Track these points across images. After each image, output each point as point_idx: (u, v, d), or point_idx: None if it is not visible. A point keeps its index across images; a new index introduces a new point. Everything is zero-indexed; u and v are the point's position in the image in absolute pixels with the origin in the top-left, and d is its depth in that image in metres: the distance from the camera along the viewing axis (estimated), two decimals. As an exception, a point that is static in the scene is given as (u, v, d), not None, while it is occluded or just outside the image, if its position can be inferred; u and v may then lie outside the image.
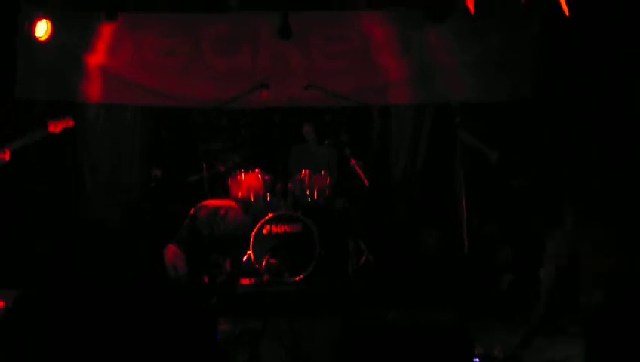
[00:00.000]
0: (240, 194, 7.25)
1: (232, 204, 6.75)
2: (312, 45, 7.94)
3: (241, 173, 7.30)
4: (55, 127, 6.76)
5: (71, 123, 6.89)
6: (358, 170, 7.57)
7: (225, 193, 7.26)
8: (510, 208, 7.05)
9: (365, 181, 7.54)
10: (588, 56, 7.41)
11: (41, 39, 7.49)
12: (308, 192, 7.32)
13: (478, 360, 4.91)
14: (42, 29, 7.44)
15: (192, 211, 6.53)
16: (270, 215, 7.10)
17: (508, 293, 6.59)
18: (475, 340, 4.90)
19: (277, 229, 7.09)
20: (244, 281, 6.86)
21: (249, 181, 7.32)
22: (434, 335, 5.06)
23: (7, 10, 7.53)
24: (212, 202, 6.71)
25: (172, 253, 6.36)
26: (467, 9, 6.79)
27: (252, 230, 6.96)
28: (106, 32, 7.92)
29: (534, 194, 6.64)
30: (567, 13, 6.62)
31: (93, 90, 7.99)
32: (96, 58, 7.94)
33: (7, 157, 6.48)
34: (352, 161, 7.62)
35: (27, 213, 7.75)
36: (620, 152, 6.05)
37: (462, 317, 5.64)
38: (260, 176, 7.33)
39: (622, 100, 6.76)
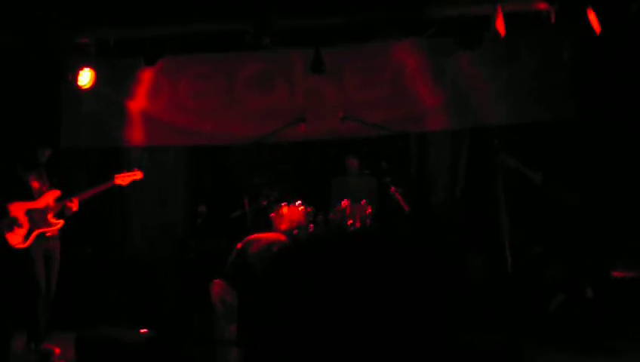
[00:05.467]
0: (283, 226, 7.29)
1: (282, 238, 6.79)
2: (345, 78, 8.13)
3: (282, 206, 7.37)
4: (122, 180, 6.94)
5: (139, 175, 7.06)
6: (398, 197, 7.59)
7: (268, 226, 7.33)
8: (558, 227, 7.03)
9: (405, 207, 7.56)
10: (622, 73, 7.46)
11: (84, 88, 7.74)
12: (350, 222, 7.35)
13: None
14: (85, 77, 7.69)
15: (239, 246, 6.58)
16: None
17: (558, 314, 6.53)
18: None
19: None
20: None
21: (291, 213, 7.34)
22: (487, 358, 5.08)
23: (51, 61, 7.81)
24: (261, 237, 6.74)
25: (219, 287, 6.40)
26: (497, 34, 6.97)
27: None
28: (146, 77, 8.20)
29: (587, 210, 6.65)
30: (598, 33, 6.73)
31: (135, 135, 8.26)
32: (137, 103, 8.24)
33: (74, 207, 6.65)
34: (392, 189, 7.65)
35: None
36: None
37: (513, 340, 5.65)
38: (301, 208, 7.38)
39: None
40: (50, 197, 6.58)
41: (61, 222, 6.62)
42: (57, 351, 6.52)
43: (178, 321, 6.83)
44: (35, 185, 6.53)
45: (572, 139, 7.67)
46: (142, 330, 5.74)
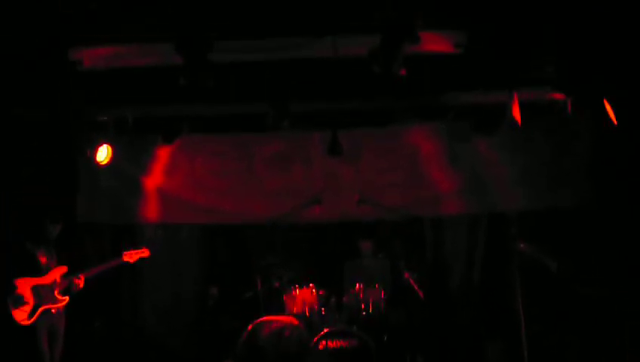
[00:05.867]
0: (295, 309, 7.23)
1: (294, 321, 6.69)
2: (362, 160, 8.14)
3: (295, 288, 7.31)
4: (130, 257, 6.94)
5: (146, 253, 7.06)
6: (412, 283, 7.52)
7: (280, 308, 7.26)
8: (576, 318, 6.91)
9: (420, 293, 7.48)
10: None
11: (101, 164, 7.80)
12: (363, 306, 7.27)
13: None
14: (103, 153, 7.75)
15: (249, 327, 6.49)
16: (326, 330, 7.05)
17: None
18: None
19: (333, 344, 7.00)
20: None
21: (304, 296, 7.30)
22: None
23: (69, 137, 7.91)
24: (273, 319, 6.64)
25: None
26: (514, 120, 7.00)
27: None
28: (163, 154, 8.25)
29: (604, 303, 6.53)
30: (616, 122, 6.74)
31: (151, 212, 8.26)
32: (154, 180, 8.26)
33: (81, 284, 6.63)
34: (406, 274, 7.58)
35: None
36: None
37: None
38: (314, 290, 7.33)
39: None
40: (57, 274, 6.57)
41: (67, 298, 6.59)
42: None
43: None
44: (43, 260, 6.53)
45: (589, 227, 7.59)
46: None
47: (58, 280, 6.55)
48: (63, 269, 6.61)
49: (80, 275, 6.61)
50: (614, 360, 6.47)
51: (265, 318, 6.65)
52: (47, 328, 6.44)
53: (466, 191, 7.99)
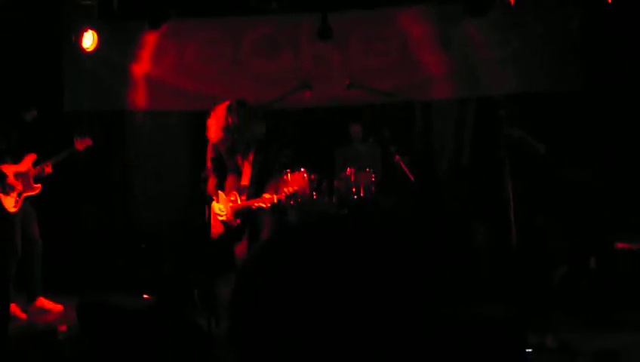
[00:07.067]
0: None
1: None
2: (352, 44, 8.02)
3: (287, 172, 7.34)
4: (80, 145, 6.86)
5: (89, 142, 6.91)
6: (403, 166, 7.56)
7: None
8: (561, 200, 7.02)
9: (410, 176, 7.54)
10: (632, 45, 7.34)
11: (87, 50, 7.65)
12: (354, 190, 7.34)
13: (530, 350, 4.89)
14: (89, 40, 7.59)
15: None
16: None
17: (562, 286, 6.53)
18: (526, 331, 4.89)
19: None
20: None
21: (294, 180, 7.34)
22: (485, 327, 5.08)
23: (55, 23, 7.72)
24: None
25: None
26: (507, 1, 6.87)
27: None
28: (150, 40, 8.10)
29: (587, 185, 6.61)
30: (610, 1, 6.62)
31: (139, 98, 8.19)
32: (141, 66, 8.14)
33: (49, 170, 6.63)
34: (397, 157, 7.62)
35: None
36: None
37: (513, 309, 5.68)
38: (305, 175, 7.35)
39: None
40: (29, 161, 6.57)
41: (39, 186, 6.61)
42: (59, 308, 6.56)
43: (181, 287, 6.84)
44: (16, 147, 6.50)
45: (578, 111, 7.60)
46: (144, 296, 5.76)
47: (31, 167, 6.56)
48: (33, 157, 6.60)
49: (48, 162, 6.61)
50: (596, 241, 6.59)
51: None
52: (22, 215, 6.48)
53: (458, 75, 7.92)
